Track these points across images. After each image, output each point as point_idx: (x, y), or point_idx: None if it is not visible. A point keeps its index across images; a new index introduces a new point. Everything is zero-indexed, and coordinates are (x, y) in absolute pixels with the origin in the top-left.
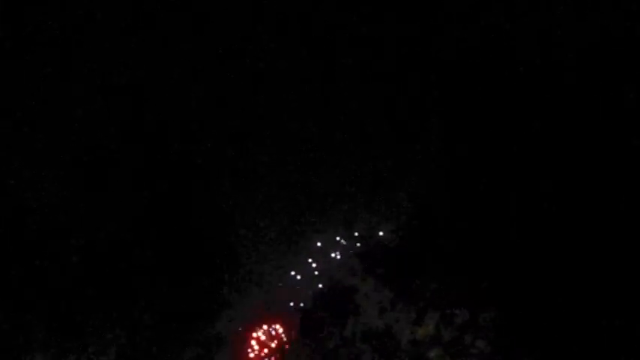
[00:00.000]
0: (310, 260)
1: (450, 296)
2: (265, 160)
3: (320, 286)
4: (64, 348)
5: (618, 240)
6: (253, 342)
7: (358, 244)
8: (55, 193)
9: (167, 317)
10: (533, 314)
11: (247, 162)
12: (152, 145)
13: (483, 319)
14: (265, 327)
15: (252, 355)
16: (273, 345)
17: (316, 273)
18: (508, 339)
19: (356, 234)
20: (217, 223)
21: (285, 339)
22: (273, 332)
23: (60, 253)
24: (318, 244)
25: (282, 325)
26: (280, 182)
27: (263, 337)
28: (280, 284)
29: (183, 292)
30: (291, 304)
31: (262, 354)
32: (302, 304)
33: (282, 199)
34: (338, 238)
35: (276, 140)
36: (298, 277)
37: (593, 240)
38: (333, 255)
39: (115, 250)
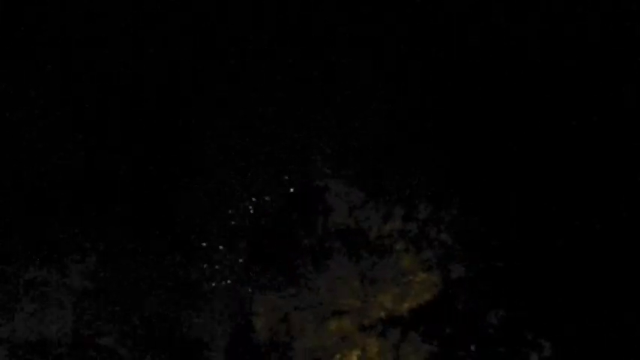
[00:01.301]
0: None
1: (415, 193)
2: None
3: (291, 190)
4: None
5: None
6: None
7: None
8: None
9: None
10: (491, 210)
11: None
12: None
13: (447, 215)
14: None
15: None
16: None
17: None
18: (468, 232)
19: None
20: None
21: None
22: None
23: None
24: None
25: None
26: None
27: None
28: None
29: None
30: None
31: None
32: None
33: None
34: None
35: None
36: None
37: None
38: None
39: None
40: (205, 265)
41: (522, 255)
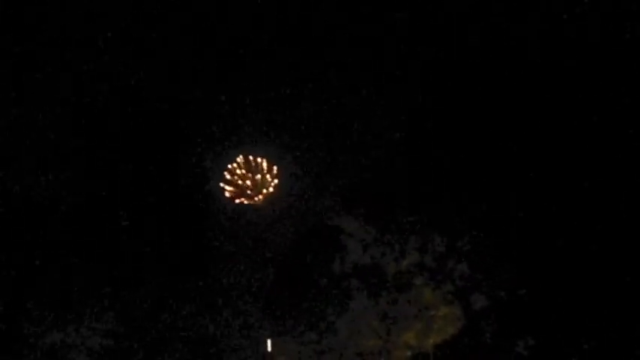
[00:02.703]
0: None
1: (429, 226)
2: None
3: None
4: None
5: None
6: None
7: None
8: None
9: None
10: (508, 236)
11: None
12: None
13: (462, 245)
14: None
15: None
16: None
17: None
18: (486, 260)
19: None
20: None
21: (268, 176)
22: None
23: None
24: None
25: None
26: None
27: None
28: None
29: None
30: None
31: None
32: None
33: None
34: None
35: None
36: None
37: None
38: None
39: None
40: (223, 319)
41: (547, 279)
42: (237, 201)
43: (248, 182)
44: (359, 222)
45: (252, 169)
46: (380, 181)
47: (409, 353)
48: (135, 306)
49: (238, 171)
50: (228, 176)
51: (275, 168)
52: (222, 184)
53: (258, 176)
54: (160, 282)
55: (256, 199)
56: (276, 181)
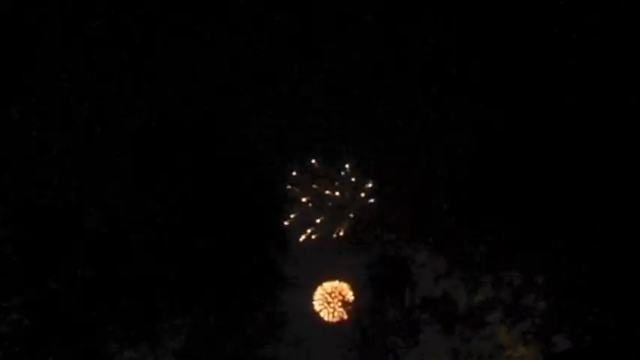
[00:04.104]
0: None
1: (504, 259)
2: None
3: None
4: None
5: None
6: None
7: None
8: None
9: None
10: (590, 273)
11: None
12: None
13: (542, 281)
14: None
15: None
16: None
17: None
18: (566, 299)
19: None
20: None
21: (349, 298)
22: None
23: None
24: None
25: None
26: None
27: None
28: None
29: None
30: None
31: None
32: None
33: None
34: None
35: None
36: None
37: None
38: None
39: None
40: (290, 345)
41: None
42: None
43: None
44: (430, 252)
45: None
46: (453, 209)
47: None
48: (204, 328)
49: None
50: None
51: None
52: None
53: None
54: (230, 307)
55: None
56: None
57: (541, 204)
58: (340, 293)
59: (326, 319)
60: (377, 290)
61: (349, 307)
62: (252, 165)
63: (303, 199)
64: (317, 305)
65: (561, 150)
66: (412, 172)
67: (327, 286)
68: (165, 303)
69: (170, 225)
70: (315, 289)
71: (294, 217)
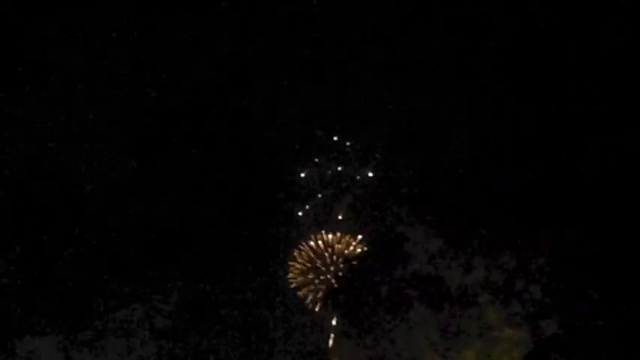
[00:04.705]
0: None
1: (500, 242)
2: None
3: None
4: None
5: None
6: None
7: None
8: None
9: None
10: (586, 259)
11: None
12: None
13: (535, 265)
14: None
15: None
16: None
17: None
18: (560, 284)
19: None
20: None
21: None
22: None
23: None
24: None
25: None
26: None
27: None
28: None
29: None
30: None
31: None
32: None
33: None
34: None
35: None
36: None
37: None
38: None
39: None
40: (281, 311)
41: (630, 314)
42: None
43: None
44: (426, 231)
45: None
46: (452, 190)
47: None
48: (198, 292)
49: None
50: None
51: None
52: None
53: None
54: (229, 272)
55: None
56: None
57: (538, 192)
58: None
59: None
60: (369, 265)
61: (346, 266)
62: (252, 143)
63: (302, 175)
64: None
65: (556, 139)
66: (414, 152)
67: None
68: (159, 265)
69: (168, 192)
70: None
71: (296, 192)
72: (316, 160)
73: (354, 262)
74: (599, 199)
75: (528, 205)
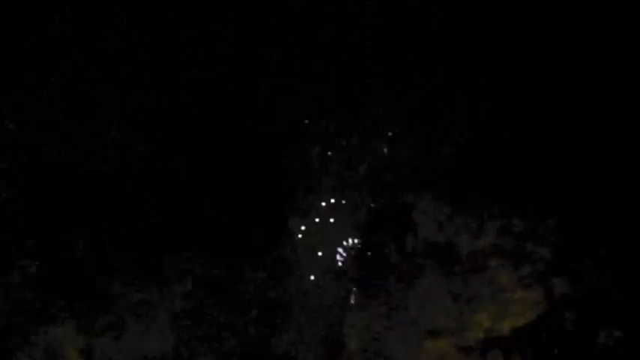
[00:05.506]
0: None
1: (508, 206)
2: None
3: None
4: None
5: None
6: None
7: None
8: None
9: None
10: (595, 221)
11: None
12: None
13: (544, 228)
14: None
15: None
16: None
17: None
18: (570, 245)
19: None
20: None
21: None
22: None
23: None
24: None
25: None
26: None
27: None
28: None
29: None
30: None
31: None
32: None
33: None
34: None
35: None
36: None
37: None
38: None
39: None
40: (296, 287)
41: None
42: None
43: None
44: (434, 198)
45: None
46: (458, 157)
47: (482, 335)
48: (213, 272)
49: None
50: None
51: None
52: None
53: None
54: (237, 250)
55: None
56: None
57: (548, 155)
58: None
59: None
60: (377, 235)
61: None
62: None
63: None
64: None
65: (568, 104)
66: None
67: None
68: (174, 248)
69: (180, 172)
70: None
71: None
72: (317, 158)
73: (364, 234)
74: (609, 164)
75: (536, 168)
